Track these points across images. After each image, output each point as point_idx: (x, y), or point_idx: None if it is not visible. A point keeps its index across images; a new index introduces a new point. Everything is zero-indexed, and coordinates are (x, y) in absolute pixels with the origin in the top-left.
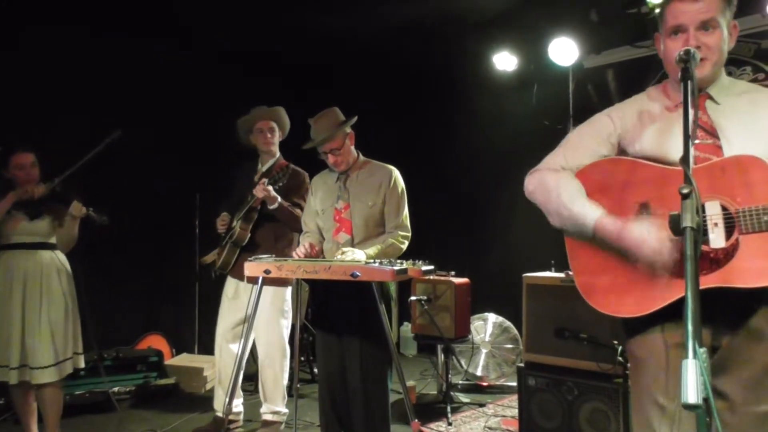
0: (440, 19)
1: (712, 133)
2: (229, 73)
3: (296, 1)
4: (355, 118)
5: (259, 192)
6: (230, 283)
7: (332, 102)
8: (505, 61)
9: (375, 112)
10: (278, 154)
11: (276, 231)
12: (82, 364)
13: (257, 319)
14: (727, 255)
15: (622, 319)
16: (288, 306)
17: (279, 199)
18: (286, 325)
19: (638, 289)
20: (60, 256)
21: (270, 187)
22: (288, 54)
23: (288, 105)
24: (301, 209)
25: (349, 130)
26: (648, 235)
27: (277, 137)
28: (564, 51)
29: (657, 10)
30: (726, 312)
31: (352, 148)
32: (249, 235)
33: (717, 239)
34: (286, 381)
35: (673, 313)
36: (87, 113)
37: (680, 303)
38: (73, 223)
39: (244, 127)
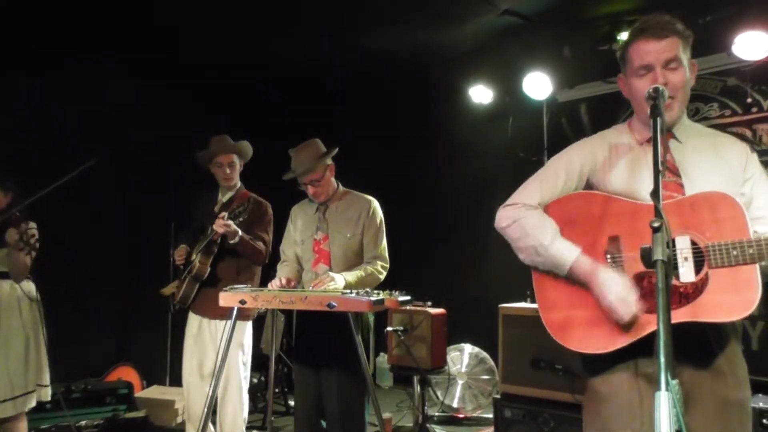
0: (418, 52)
1: (675, 171)
2: (207, 102)
3: (273, 33)
4: (336, 150)
5: (219, 227)
6: (193, 320)
7: (309, 132)
8: (481, 94)
9: (352, 142)
10: (239, 184)
11: (238, 265)
12: (48, 397)
13: (217, 354)
14: (696, 290)
15: (586, 355)
16: (248, 341)
17: (240, 233)
18: (244, 360)
19: (607, 325)
20: (24, 285)
21: (230, 222)
22: (266, 84)
23: (266, 135)
24: (264, 242)
25: (329, 161)
26: (615, 285)
27: (238, 170)
28: (538, 85)
29: (618, 53)
30: (689, 348)
31: (333, 179)
32: (209, 269)
33: (687, 273)
34: (245, 416)
35: (644, 348)
36: (64, 141)
37: (651, 338)
38: (14, 251)
39: (204, 159)
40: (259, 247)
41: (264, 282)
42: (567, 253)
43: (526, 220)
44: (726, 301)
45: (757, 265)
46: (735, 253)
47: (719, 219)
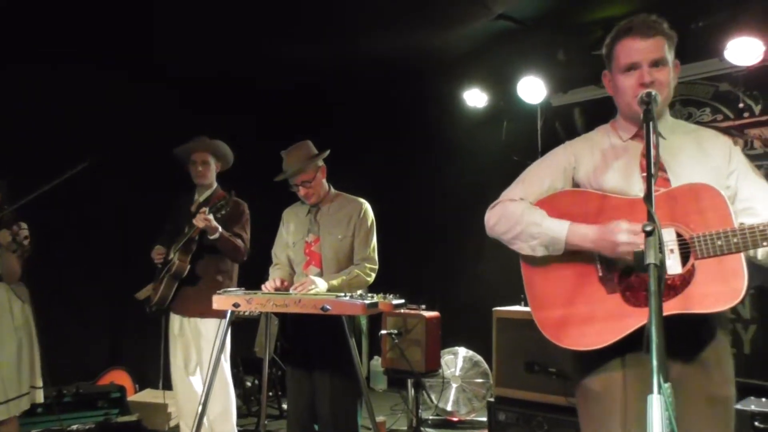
0: (413, 56)
1: (660, 167)
2: (202, 103)
3: (269, 35)
4: (328, 152)
5: (199, 222)
6: (174, 319)
7: (302, 134)
8: (475, 97)
9: (347, 145)
10: (215, 184)
11: (217, 263)
12: (41, 399)
13: (202, 354)
14: (683, 281)
15: (577, 353)
16: (227, 338)
17: (220, 228)
18: (224, 355)
19: (597, 321)
20: (16, 287)
21: (211, 217)
22: (261, 87)
23: (262, 137)
24: (242, 239)
25: (321, 163)
26: (620, 223)
27: (213, 170)
28: (532, 89)
29: (604, 50)
30: (678, 341)
31: (324, 181)
32: (188, 266)
33: (673, 265)
34: (234, 415)
35: (632, 344)
36: (57, 142)
37: (638, 333)
38: (6, 253)
39: (180, 156)
40: (237, 243)
41: (255, 284)
42: (561, 225)
43: (513, 210)
44: (713, 291)
45: (742, 255)
46: (720, 243)
47: (703, 209)
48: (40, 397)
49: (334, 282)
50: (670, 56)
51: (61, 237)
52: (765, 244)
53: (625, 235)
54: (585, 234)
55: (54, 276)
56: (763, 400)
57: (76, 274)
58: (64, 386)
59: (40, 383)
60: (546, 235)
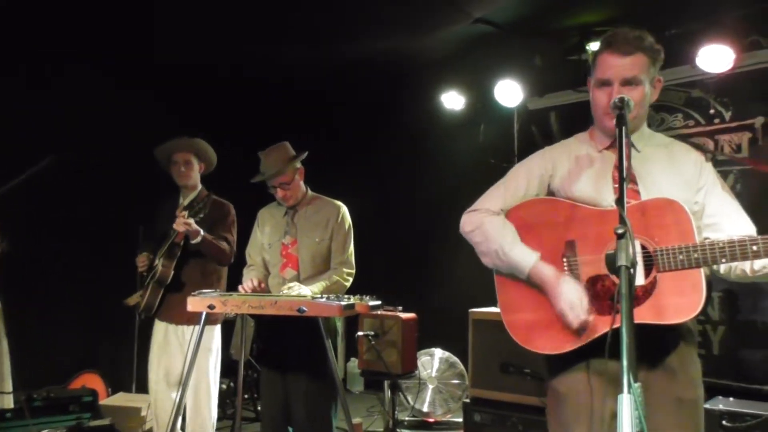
0: (392, 59)
1: (632, 179)
2: (179, 105)
3: (251, 37)
4: (306, 153)
5: (179, 226)
6: (158, 327)
7: (280, 135)
8: (453, 100)
9: (323, 147)
10: (200, 186)
11: (203, 267)
12: (11, 404)
13: (186, 360)
14: (645, 292)
15: (546, 355)
16: (217, 345)
17: (202, 232)
18: (213, 364)
19: (563, 327)
20: None
21: (191, 220)
22: (240, 88)
23: (238, 138)
24: (228, 242)
25: (299, 165)
26: (568, 292)
27: (196, 170)
28: (509, 93)
29: (590, 58)
30: (644, 348)
31: (302, 183)
32: (172, 272)
33: (637, 277)
34: (214, 422)
35: (596, 349)
36: (27, 140)
37: (602, 339)
38: None
39: (161, 157)
40: (222, 246)
41: (232, 286)
42: (527, 258)
43: (489, 225)
44: (673, 303)
45: (702, 269)
46: (681, 257)
47: (668, 224)
48: (9, 401)
49: (315, 289)
50: (647, 75)
51: (32, 238)
52: (724, 261)
53: (566, 304)
54: (542, 278)
55: (24, 278)
56: (731, 399)
57: (48, 275)
58: (35, 390)
59: (9, 388)
60: (511, 265)
